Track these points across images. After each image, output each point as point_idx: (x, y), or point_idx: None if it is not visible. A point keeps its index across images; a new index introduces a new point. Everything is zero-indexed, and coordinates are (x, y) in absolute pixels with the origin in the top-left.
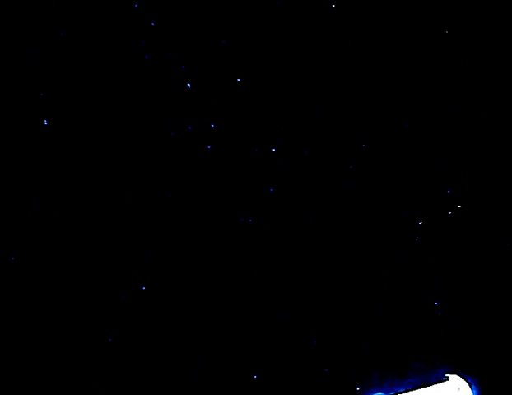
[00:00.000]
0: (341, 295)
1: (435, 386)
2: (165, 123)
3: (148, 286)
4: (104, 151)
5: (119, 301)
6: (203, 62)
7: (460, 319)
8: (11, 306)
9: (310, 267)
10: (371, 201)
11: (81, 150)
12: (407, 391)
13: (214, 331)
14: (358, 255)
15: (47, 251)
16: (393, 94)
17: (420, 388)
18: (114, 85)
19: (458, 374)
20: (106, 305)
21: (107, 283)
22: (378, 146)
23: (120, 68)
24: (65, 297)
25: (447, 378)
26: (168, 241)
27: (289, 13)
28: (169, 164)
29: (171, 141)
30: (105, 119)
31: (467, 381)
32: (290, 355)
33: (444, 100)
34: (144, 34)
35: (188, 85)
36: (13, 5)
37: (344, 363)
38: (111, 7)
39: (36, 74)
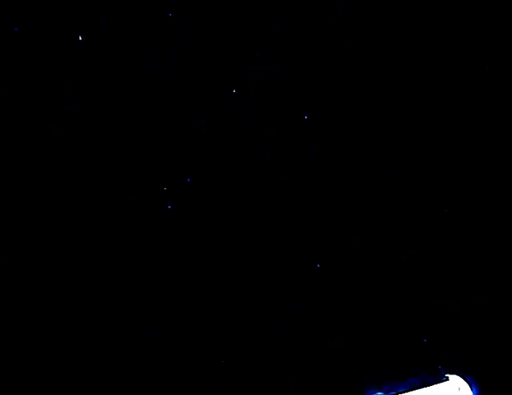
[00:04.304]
0: (341, 295)
1: (435, 386)
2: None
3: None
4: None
5: (119, 302)
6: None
7: (460, 319)
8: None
9: (310, 268)
10: (371, 201)
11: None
12: (407, 391)
13: (215, 332)
14: (358, 255)
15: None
16: (393, 95)
17: (420, 387)
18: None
19: (458, 374)
20: (105, 306)
21: (105, 284)
22: (378, 145)
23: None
24: (66, 297)
25: (447, 378)
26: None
27: (289, 13)
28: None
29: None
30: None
31: (467, 381)
32: (290, 355)
33: (443, 100)
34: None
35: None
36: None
37: (344, 363)
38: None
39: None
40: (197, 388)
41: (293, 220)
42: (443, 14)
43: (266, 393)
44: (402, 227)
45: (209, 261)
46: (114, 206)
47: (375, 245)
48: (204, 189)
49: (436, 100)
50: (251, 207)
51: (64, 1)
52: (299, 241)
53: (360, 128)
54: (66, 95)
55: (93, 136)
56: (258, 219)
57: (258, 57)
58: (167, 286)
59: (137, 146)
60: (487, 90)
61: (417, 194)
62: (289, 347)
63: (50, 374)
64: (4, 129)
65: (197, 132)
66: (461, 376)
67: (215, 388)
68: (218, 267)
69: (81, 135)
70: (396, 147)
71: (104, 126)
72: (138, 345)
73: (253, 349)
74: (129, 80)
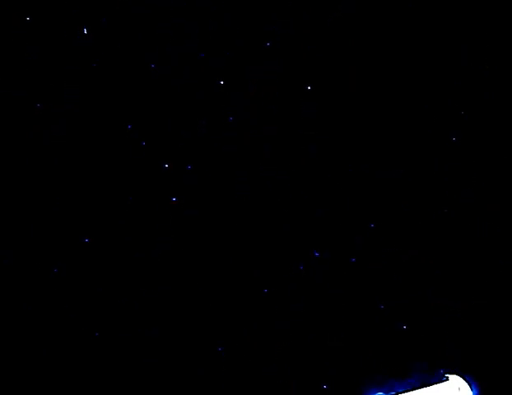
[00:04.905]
0: (341, 295)
1: (435, 386)
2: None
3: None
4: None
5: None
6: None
7: (460, 319)
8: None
9: (310, 267)
10: (371, 201)
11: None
12: (407, 391)
13: (215, 332)
14: (358, 255)
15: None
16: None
17: (420, 387)
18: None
19: (458, 374)
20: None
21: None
22: (377, 146)
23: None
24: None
25: (447, 378)
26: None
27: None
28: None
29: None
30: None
31: (467, 381)
32: (290, 355)
33: (443, 101)
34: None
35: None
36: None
37: (344, 363)
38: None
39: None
40: (196, 387)
41: (293, 220)
42: (443, 14)
43: (266, 393)
44: (402, 227)
45: (210, 258)
46: (116, 203)
47: (375, 245)
48: (205, 183)
49: (436, 100)
50: (251, 205)
51: (65, 1)
52: (299, 240)
53: (360, 128)
54: (69, 93)
55: (94, 135)
56: (258, 217)
57: (258, 56)
58: (167, 281)
59: (139, 144)
60: (487, 90)
61: (417, 194)
62: (289, 347)
63: (50, 373)
64: (4, 129)
65: (196, 129)
66: (461, 376)
67: (214, 387)
68: (219, 265)
69: (82, 134)
70: (396, 147)
71: (105, 124)
72: (139, 342)
73: (254, 348)
74: (129, 79)
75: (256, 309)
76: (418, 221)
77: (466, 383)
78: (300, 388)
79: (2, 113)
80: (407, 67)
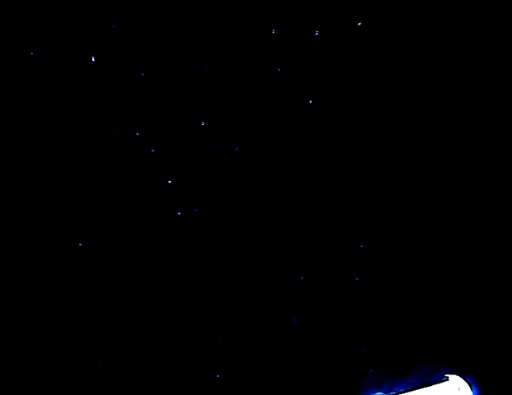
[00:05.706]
0: (341, 295)
1: (435, 386)
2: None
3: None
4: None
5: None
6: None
7: (460, 319)
8: None
9: (311, 267)
10: (371, 201)
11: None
12: (407, 391)
13: (215, 332)
14: (359, 254)
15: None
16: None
17: (420, 387)
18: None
19: (458, 374)
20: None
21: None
22: (377, 144)
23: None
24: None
25: (447, 378)
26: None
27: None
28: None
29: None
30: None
31: (467, 381)
32: (291, 355)
33: (443, 100)
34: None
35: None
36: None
37: (344, 363)
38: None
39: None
40: (195, 387)
41: (295, 220)
42: (443, 14)
43: (266, 393)
44: (402, 227)
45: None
46: (115, 211)
47: (376, 244)
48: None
49: (436, 100)
50: (250, 214)
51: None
52: (299, 240)
53: (359, 131)
54: (68, 98)
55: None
56: (257, 225)
57: (257, 61)
58: (167, 288)
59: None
60: (487, 91)
61: (417, 194)
62: (289, 347)
63: (49, 373)
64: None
65: (197, 133)
66: (461, 376)
67: (215, 388)
68: (217, 270)
69: (83, 140)
70: (396, 150)
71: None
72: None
73: (254, 349)
74: (130, 87)
75: (256, 309)
76: (420, 221)
77: (466, 383)
78: (300, 388)
79: (5, 117)
80: (407, 71)
